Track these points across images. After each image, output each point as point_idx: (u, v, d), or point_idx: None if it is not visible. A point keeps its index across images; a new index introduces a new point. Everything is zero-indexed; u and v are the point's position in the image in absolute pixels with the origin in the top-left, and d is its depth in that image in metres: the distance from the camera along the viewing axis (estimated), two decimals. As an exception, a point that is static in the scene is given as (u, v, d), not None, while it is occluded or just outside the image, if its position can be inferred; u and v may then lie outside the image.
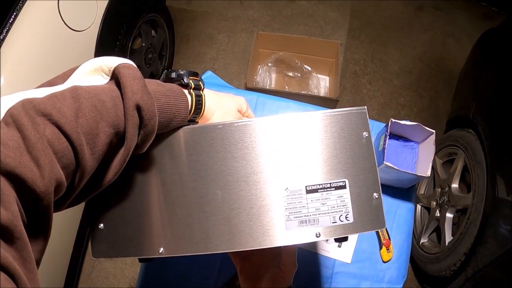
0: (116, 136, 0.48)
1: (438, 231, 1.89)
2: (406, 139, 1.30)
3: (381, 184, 1.19)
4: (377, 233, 1.21)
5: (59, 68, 1.42)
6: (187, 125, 0.61)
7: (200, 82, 0.62)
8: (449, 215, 1.78)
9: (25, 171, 0.37)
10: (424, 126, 1.20)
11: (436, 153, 2.01)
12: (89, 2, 1.57)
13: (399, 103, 2.40)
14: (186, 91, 0.59)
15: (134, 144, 0.49)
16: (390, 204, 1.26)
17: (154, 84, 0.54)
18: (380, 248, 1.21)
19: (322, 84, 2.19)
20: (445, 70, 2.54)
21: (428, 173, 1.13)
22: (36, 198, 0.38)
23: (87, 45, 1.59)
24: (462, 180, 1.84)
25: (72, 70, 0.52)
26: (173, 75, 0.61)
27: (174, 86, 0.58)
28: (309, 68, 2.13)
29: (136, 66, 0.51)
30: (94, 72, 0.51)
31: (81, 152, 0.43)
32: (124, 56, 1.81)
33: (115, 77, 0.49)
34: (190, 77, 0.61)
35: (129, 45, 1.94)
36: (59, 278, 1.68)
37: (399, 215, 1.26)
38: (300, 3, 2.74)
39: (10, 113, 0.39)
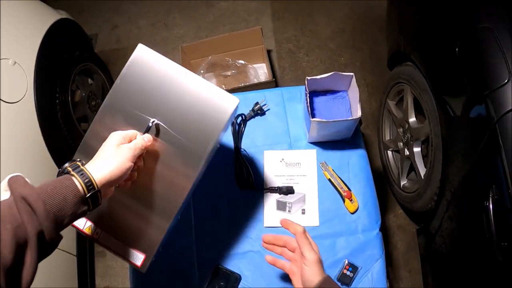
0: (19, 229, 0.55)
1: (414, 170, 1.89)
2: (334, 91, 1.32)
3: (327, 142, 1.21)
4: (335, 187, 1.22)
5: (5, 144, 1.44)
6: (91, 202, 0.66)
7: (76, 162, 0.69)
8: (416, 149, 1.79)
9: None
10: (340, 73, 1.21)
11: (386, 96, 2.03)
12: (16, 71, 1.60)
13: (341, 64, 2.42)
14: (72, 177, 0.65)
15: (35, 229, 0.56)
16: (340, 157, 1.28)
17: (42, 184, 0.62)
18: (344, 201, 1.21)
19: (260, 72, 2.21)
20: (376, 18, 2.55)
21: (359, 113, 1.14)
22: None
23: (28, 112, 1.61)
24: (420, 113, 1.85)
25: None
26: (58, 173, 0.68)
27: (58, 178, 0.65)
28: (243, 62, 2.15)
29: (20, 175, 0.62)
30: (4, 190, 0.61)
31: None
32: (67, 110, 1.84)
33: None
34: (66, 165, 0.68)
35: (69, 99, 1.96)
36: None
37: (352, 165, 1.27)
38: (219, 5, 2.77)
39: None
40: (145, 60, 0.83)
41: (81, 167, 0.67)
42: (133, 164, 0.73)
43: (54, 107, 1.81)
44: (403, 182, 1.91)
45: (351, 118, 1.14)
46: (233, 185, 1.25)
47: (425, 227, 1.74)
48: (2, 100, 1.48)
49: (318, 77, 1.21)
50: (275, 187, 1.21)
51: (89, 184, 0.64)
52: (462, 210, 1.44)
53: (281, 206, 1.20)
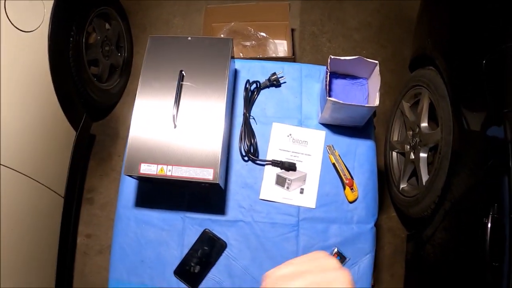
0: None
1: (416, 175, 1.87)
2: (354, 77, 1.28)
3: (337, 126, 1.18)
4: (338, 173, 1.19)
5: (11, 72, 1.40)
6: None
7: None
8: (422, 154, 1.76)
9: None
10: (366, 58, 1.17)
11: (402, 97, 1.98)
12: (35, 1, 1.53)
13: (363, 56, 2.35)
14: None
15: None
16: (348, 144, 1.24)
17: None
18: (344, 188, 1.18)
19: (280, 49, 2.15)
20: (405, 19, 2.50)
21: (377, 102, 1.10)
22: None
23: (39, 44, 1.56)
24: (433, 120, 1.81)
25: None
26: None
27: None
28: (264, 35, 2.09)
29: None
30: None
31: None
32: (79, 51, 1.79)
33: None
34: None
35: (83, 40, 1.91)
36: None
37: (359, 154, 1.24)
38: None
39: None
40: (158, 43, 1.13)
41: None
42: None
43: (67, 44, 1.76)
44: (403, 185, 1.89)
45: (368, 105, 1.10)
46: (235, 151, 1.21)
47: (416, 234, 1.72)
48: (16, 28, 1.43)
49: (342, 58, 1.16)
50: (278, 161, 1.18)
51: None
52: (459, 223, 1.41)
53: (281, 181, 1.17)
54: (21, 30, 1.45)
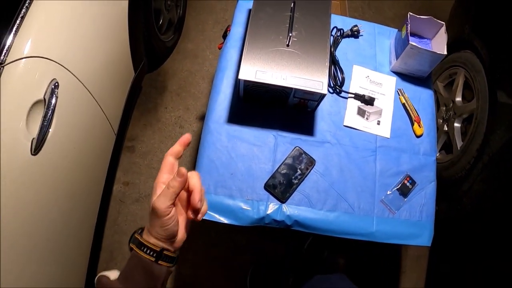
0: None
1: (446, 147, 2.08)
2: (419, 37, 1.49)
3: (405, 75, 1.40)
4: (408, 112, 1.39)
5: (93, 26, 1.39)
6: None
7: (136, 235, 0.71)
8: (457, 125, 1.98)
9: None
10: (435, 19, 1.39)
11: (436, 78, 2.21)
12: None
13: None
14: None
15: None
16: (414, 91, 1.44)
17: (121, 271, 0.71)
18: (412, 124, 1.38)
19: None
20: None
21: (445, 51, 1.32)
22: None
23: None
24: (463, 98, 2.04)
25: None
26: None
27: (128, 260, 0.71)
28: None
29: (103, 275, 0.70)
30: None
31: None
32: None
33: None
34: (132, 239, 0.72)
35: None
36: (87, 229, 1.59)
37: (422, 100, 1.44)
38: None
39: None
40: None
41: (140, 239, 0.69)
42: (171, 205, 0.66)
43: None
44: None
45: (440, 52, 1.31)
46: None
47: (449, 194, 1.92)
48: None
49: (417, 16, 1.38)
50: (360, 94, 1.37)
51: (151, 252, 0.68)
52: (497, 171, 1.62)
53: (361, 112, 1.36)
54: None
